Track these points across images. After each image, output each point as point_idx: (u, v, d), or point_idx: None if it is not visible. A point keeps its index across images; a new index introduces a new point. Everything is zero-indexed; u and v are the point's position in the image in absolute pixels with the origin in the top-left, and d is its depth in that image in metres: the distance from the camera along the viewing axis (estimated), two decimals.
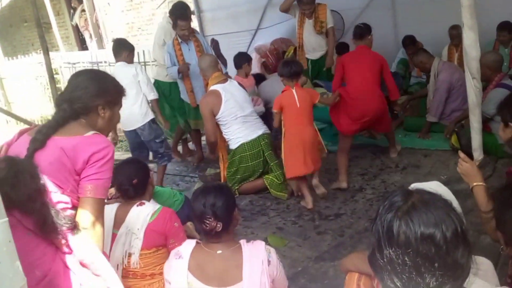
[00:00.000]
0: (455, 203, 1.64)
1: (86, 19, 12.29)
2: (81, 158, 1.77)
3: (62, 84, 9.13)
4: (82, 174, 1.79)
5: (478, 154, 3.97)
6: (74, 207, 1.78)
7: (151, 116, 4.47)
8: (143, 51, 8.05)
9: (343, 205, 3.90)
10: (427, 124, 4.94)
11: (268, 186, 4.22)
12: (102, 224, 1.82)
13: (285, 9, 5.68)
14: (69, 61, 9.02)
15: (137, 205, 2.54)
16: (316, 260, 3.18)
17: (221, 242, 2.06)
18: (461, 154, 2.17)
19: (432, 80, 4.92)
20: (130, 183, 2.59)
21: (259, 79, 5.63)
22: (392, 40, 6.61)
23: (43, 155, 1.78)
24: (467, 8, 3.63)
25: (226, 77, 4.42)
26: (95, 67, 8.43)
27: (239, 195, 4.31)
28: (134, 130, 4.47)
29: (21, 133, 1.94)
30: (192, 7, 7.76)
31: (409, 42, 5.99)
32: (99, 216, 1.80)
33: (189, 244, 2.13)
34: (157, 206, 2.61)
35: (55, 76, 8.17)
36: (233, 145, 4.24)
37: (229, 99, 4.18)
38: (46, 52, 5.72)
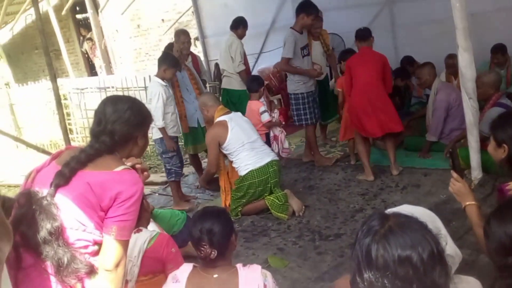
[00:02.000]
0: (434, 224, 1.68)
1: (92, 47, 12.62)
2: (108, 196, 1.68)
3: (71, 109, 9.31)
4: (109, 213, 1.70)
5: (477, 173, 4.01)
6: (97, 244, 1.72)
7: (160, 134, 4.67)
8: (149, 76, 8.20)
9: (343, 225, 3.92)
10: (427, 143, 4.98)
11: (270, 207, 4.26)
12: (124, 266, 1.75)
13: None
14: (77, 87, 9.18)
15: (134, 232, 2.51)
16: (316, 281, 3.20)
17: (217, 267, 2.07)
18: (454, 174, 2.20)
19: (432, 99, 4.97)
20: None
21: None
22: (392, 62, 6.67)
23: (67, 188, 1.70)
24: (462, 30, 3.72)
25: (229, 110, 4.59)
26: (103, 93, 8.59)
27: (242, 216, 4.36)
28: None
29: (53, 158, 1.84)
30: (196, 33, 7.97)
31: (407, 62, 6.08)
32: (123, 258, 1.72)
33: (186, 268, 2.15)
34: (154, 232, 2.63)
35: (63, 101, 8.34)
36: (242, 172, 4.28)
37: (235, 127, 4.31)
38: (53, 79, 5.90)
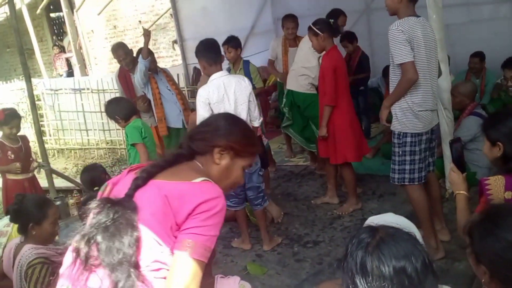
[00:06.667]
0: (417, 234, 1.73)
1: (56, 54, 12.43)
2: (186, 210, 1.48)
3: (44, 111, 9.11)
4: (183, 227, 1.49)
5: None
6: None
7: None
8: None
9: (322, 232, 3.95)
10: None
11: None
12: None
13: None
14: (51, 88, 8.99)
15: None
16: None
17: None
18: (451, 165, 2.36)
19: None
20: None
21: None
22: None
23: (144, 201, 1.51)
24: (438, 41, 3.79)
25: None
26: (77, 94, 8.43)
27: None
28: None
29: (130, 170, 1.69)
30: (174, 35, 7.91)
31: (388, 73, 6.18)
32: (195, 281, 1.48)
33: None
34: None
35: (36, 102, 8.15)
36: None
37: None
38: (28, 79, 5.73)
